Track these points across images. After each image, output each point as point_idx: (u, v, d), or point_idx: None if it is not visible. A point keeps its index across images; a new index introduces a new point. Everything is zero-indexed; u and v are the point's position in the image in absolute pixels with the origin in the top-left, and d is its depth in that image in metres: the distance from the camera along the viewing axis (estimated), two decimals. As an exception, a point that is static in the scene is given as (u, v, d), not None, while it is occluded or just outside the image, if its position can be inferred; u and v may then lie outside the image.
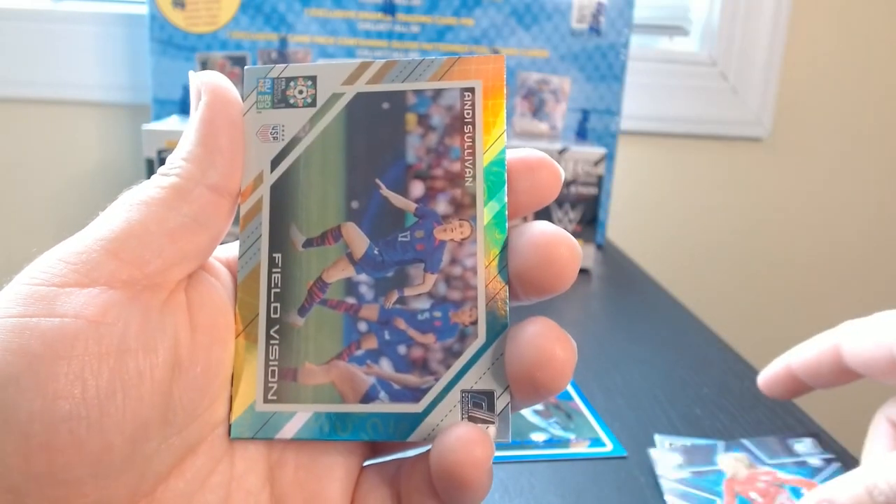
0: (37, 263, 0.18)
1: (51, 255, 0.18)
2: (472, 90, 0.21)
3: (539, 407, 0.45)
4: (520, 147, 0.22)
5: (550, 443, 0.41)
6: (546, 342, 0.19)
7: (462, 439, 0.18)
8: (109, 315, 0.17)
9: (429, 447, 0.20)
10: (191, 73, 0.21)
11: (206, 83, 0.20)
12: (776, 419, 0.45)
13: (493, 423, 0.20)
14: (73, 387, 0.17)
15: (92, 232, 0.19)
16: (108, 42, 0.90)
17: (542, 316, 0.19)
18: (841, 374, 0.34)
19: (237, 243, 0.22)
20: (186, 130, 0.20)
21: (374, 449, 0.22)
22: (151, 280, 0.19)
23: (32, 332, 0.17)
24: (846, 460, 0.41)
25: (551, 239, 0.19)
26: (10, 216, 0.94)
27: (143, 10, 0.81)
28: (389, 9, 0.80)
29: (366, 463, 0.22)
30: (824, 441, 0.42)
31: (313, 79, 0.21)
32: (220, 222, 0.20)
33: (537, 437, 0.42)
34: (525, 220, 0.21)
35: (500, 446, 0.40)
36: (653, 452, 0.40)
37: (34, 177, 0.94)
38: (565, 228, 0.72)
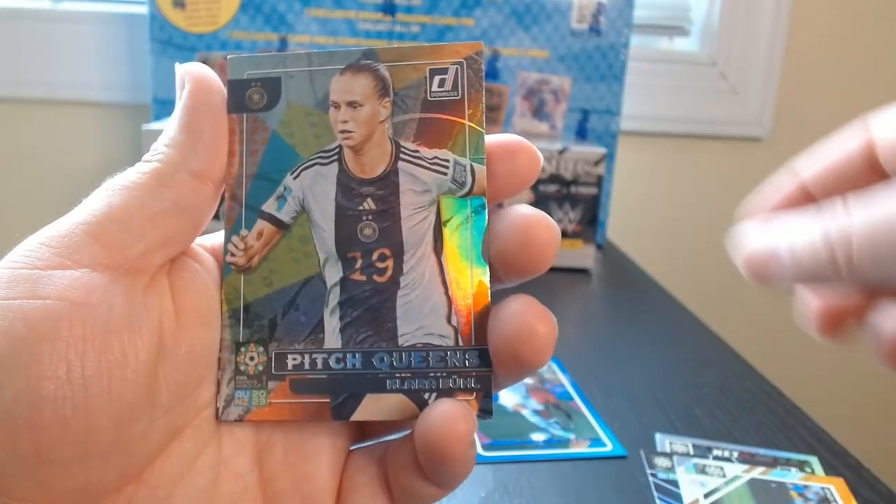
0: (18, 248, 0.18)
1: (32, 239, 0.18)
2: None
3: (539, 407, 0.45)
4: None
5: (550, 443, 0.41)
6: (527, 317, 0.19)
7: (445, 415, 0.19)
8: (93, 297, 0.18)
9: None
10: (176, 64, 0.21)
11: (189, 72, 0.20)
12: (776, 419, 0.45)
13: (475, 399, 0.20)
14: (57, 368, 0.17)
15: (73, 216, 0.19)
16: (108, 42, 0.90)
17: (522, 293, 0.20)
18: (867, 176, 0.24)
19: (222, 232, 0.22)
20: (170, 118, 0.20)
21: (362, 432, 0.22)
22: (133, 264, 0.19)
23: (15, 315, 0.17)
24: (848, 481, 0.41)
25: (530, 221, 0.19)
26: (11, 216, 0.94)
27: (143, 10, 0.81)
28: (389, 9, 0.80)
29: (353, 447, 0.22)
30: (825, 460, 0.42)
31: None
32: (203, 208, 0.20)
33: (537, 437, 0.42)
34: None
35: (493, 444, 0.40)
36: (655, 455, 0.40)
37: (34, 177, 0.94)
38: (565, 228, 0.72)
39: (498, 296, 0.20)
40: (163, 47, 0.80)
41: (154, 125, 0.68)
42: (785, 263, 0.21)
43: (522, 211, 0.20)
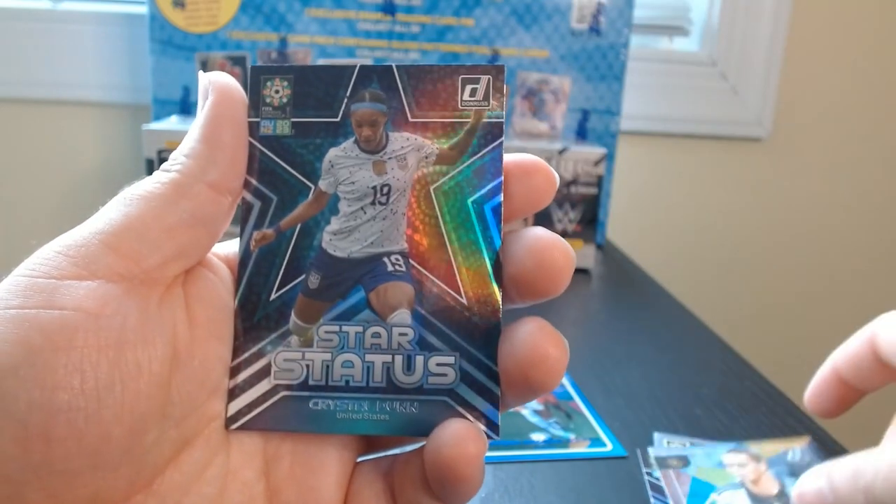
0: (35, 256, 0.18)
1: (49, 247, 0.18)
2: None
3: (539, 407, 0.45)
4: (519, 148, 0.22)
5: (550, 443, 0.41)
6: (539, 341, 0.19)
7: (456, 435, 0.19)
8: (108, 308, 0.18)
9: (422, 443, 0.20)
10: (200, 73, 0.21)
11: (213, 82, 0.21)
12: (776, 419, 0.45)
13: (484, 419, 0.20)
14: (71, 378, 0.17)
15: (90, 225, 0.19)
16: (108, 42, 0.90)
17: (535, 316, 0.20)
18: (880, 370, 0.31)
19: (237, 241, 0.22)
20: (191, 128, 0.20)
21: (369, 445, 0.22)
22: (148, 275, 0.19)
23: (32, 324, 0.17)
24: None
25: (546, 244, 0.19)
26: (11, 216, 0.94)
27: (143, 10, 0.81)
28: (389, 9, 0.80)
29: (360, 459, 0.22)
30: (822, 441, 0.42)
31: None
32: (220, 220, 0.20)
33: (537, 437, 0.42)
34: (525, 222, 0.21)
35: (493, 445, 0.40)
36: (651, 451, 0.40)
37: (34, 177, 0.94)
38: (565, 228, 0.72)
39: (512, 314, 0.20)
40: (163, 47, 0.80)
41: (154, 125, 0.68)
42: (828, 499, 0.26)
43: (537, 234, 0.20)
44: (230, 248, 0.22)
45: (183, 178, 0.19)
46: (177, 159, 0.20)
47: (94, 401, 0.17)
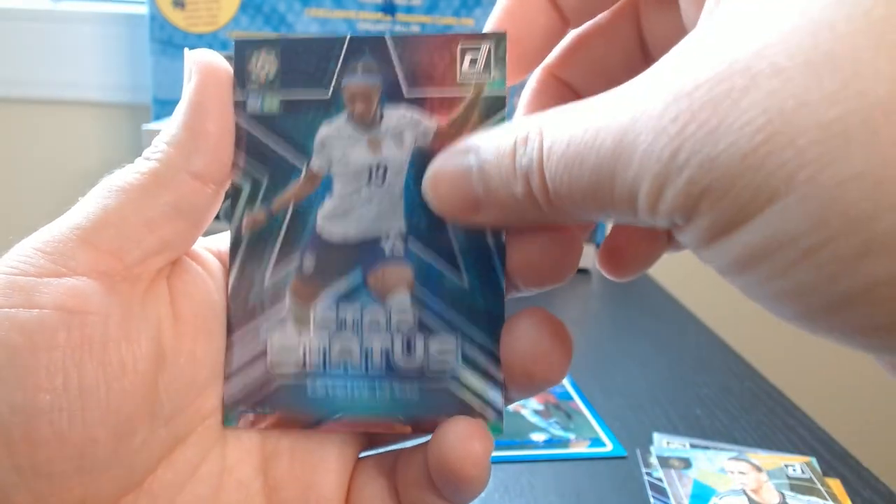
0: (12, 253, 0.18)
1: (26, 243, 0.18)
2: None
3: (539, 407, 0.45)
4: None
5: (550, 443, 0.41)
6: (543, 335, 0.18)
7: (461, 435, 0.18)
8: (90, 306, 0.17)
9: (425, 439, 0.20)
10: (186, 49, 0.20)
11: (197, 62, 0.19)
12: (776, 419, 0.45)
13: (488, 406, 0.20)
14: (53, 379, 0.16)
15: (68, 219, 0.18)
16: (108, 42, 0.90)
17: (538, 307, 0.19)
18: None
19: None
20: (175, 111, 0.19)
21: (370, 440, 0.22)
22: (130, 270, 0.18)
23: (12, 324, 0.16)
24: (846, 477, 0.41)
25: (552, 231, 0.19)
26: (11, 216, 0.94)
27: (143, 10, 0.81)
28: (389, 9, 0.80)
29: (362, 454, 0.22)
30: (823, 459, 0.42)
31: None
32: (204, 209, 0.19)
33: (537, 437, 0.42)
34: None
35: (498, 445, 0.40)
36: (651, 450, 0.40)
37: (34, 177, 0.94)
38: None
39: (515, 304, 0.20)
40: (163, 47, 0.80)
41: (154, 125, 0.68)
42: (475, 183, 0.17)
43: None
44: (223, 242, 0.21)
45: (164, 169, 0.18)
46: (158, 147, 0.19)
47: (78, 402, 0.16)
